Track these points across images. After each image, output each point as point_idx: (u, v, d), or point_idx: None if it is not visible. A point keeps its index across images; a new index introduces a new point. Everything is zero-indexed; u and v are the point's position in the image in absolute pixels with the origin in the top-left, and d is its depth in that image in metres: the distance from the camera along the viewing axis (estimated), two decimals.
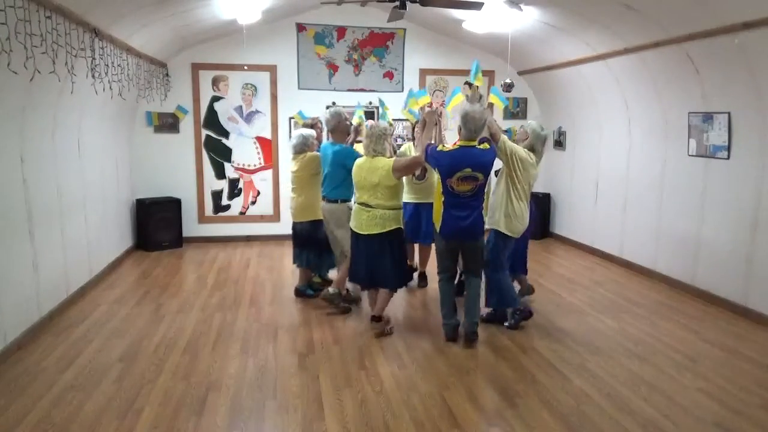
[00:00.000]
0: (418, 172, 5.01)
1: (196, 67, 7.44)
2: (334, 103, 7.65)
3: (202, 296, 5.43)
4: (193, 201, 7.69)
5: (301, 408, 3.34)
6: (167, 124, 7.44)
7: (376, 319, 4.49)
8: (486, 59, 8.11)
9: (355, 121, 5.26)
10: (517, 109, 8.41)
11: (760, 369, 3.93)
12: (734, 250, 5.05)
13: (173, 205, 7.42)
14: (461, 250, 4.23)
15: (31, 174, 4.32)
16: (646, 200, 6.24)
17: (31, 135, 4.32)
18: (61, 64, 3.98)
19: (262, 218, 7.91)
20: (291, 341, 4.34)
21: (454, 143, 4.16)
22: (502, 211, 4.38)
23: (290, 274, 6.11)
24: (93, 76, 4.65)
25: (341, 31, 7.76)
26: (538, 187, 8.24)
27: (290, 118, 7.65)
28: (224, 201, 7.81)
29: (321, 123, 5.72)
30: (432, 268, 4.71)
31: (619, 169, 6.71)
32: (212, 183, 7.74)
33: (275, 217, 7.91)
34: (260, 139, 7.77)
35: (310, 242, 5.14)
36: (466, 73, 8.09)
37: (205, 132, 7.60)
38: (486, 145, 4.06)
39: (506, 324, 4.58)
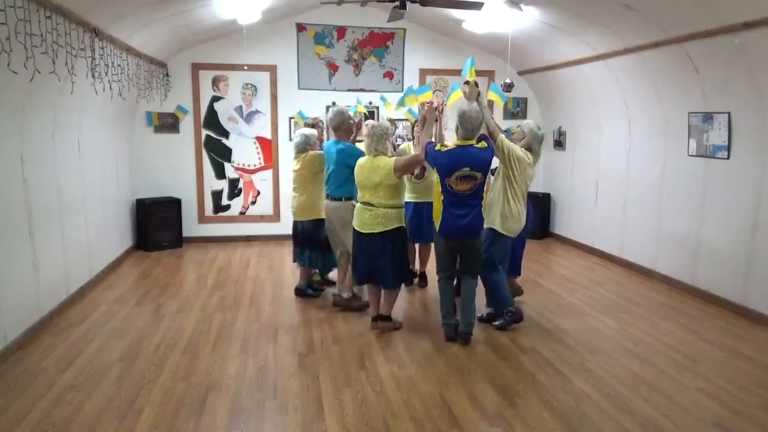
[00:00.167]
0: (417, 171, 5.01)
1: (196, 67, 7.44)
2: (334, 103, 7.65)
3: (202, 296, 5.43)
4: (193, 201, 7.69)
5: (301, 408, 3.34)
6: (167, 124, 7.44)
7: (385, 318, 4.50)
8: (486, 59, 8.12)
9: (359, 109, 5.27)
10: (517, 109, 8.41)
11: (760, 369, 3.93)
12: (734, 250, 5.05)
13: (173, 205, 7.42)
14: (460, 249, 4.23)
15: (31, 174, 4.32)
16: (646, 200, 6.24)
17: (31, 135, 4.32)
18: (61, 64, 3.98)
19: (262, 218, 7.92)
20: (291, 341, 4.34)
21: (453, 143, 4.17)
22: (498, 210, 4.38)
23: (290, 274, 6.11)
24: (93, 76, 4.65)
25: (341, 31, 7.76)
26: (538, 187, 8.27)
27: (290, 118, 7.65)
28: (224, 201, 7.82)
29: (322, 122, 5.73)
30: (432, 268, 4.70)
31: (619, 169, 6.71)
32: (212, 183, 7.74)
33: (275, 217, 7.91)
34: (260, 139, 7.77)
35: (311, 241, 5.14)
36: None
37: (205, 132, 7.61)
38: (484, 144, 4.06)
39: (496, 323, 4.57)
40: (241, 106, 7.65)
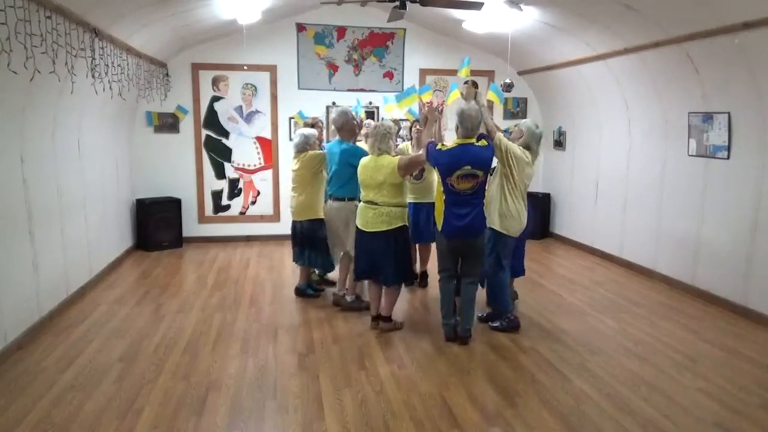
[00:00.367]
0: (415, 172, 5.02)
1: (196, 67, 7.44)
2: (334, 103, 7.67)
3: (202, 296, 5.44)
4: (193, 201, 7.69)
5: (301, 408, 3.34)
6: (167, 124, 7.44)
7: (386, 319, 4.51)
8: (486, 59, 8.13)
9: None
10: (517, 109, 8.41)
11: (760, 369, 3.93)
12: (734, 250, 5.05)
13: (173, 205, 7.42)
14: (462, 249, 4.22)
15: (31, 174, 4.32)
16: (646, 200, 6.24)
17: (31, 135, 4.32)
18: (61, 64, 3.98)
19: (262, 218, 7.92)
20: (291, 341, 4.34)
21: (453, 142, 4.17)
22: (497, 209, 4.37)
23: (290, 274, 6.11)
24: (93, 76, 4.65)
25: (341, 31, 7.76)
26: (538, 187, 8.27)
27: (290, 118, 7.65)
28: (224, 201, 7.82)
29: (321, 122, 5.74)
30: (433, 267, 4.71)
31: (619, 169, 6.71)
32: (212, 183, 7.74)
33: (275, 217, 7.91)
34: (260, 139, 7.77)
35: (310, 241, 5.14)
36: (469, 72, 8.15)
37: (205, 132, 7.61)
38: (484, 142, 4.06)
39: (493, 324, 4.57)
40: (241, 106, 7.65)
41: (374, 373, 3.81)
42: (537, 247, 7.47)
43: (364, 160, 4.43)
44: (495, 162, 4.35)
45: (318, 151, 5.10)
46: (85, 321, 4.69)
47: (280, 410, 3.31)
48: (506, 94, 7.94)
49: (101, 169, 6.03)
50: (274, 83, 7.68)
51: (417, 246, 5.72)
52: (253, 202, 7.90)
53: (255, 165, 7.82)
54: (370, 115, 7.81)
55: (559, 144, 8.06)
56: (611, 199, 6.89)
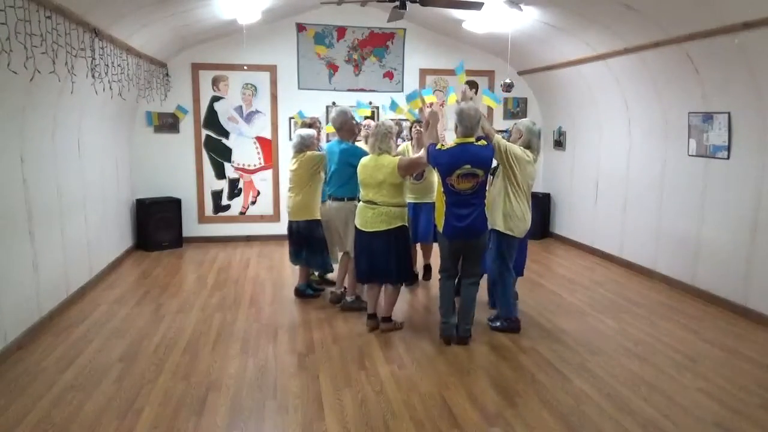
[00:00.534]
0: (416, 173, 5.03)
1: (196, 67, 7.45)
2: (334, 103, 7.66)
3: (202, 296, 5.44)
4: (193, 201, 7.69)
5: (301, 408, 3.34)
6: (167, 124, 7.44)
7: (386, 319, 4.51)
8: (486, 59, 8.13)
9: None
10: (517, 109, 8.41)
11: (760, 369, 3.93)
12: (734, 250, 5.05)
13: (173, 205, 7.42)
14: (463, 250, 4.20)
15: (31, 174, 4.32)
16: (646, 200, 6.24)
17: (31, 135, 4.32)
18: (61, 64, 3.98)
19: (262, 218, 7.92)
20: (291, 341, 4.34)
21: (453, 141, 4.17)
22: (500, 210, 4.36)
23: (290, 274, 6.10)
24: (93, 76, 4.65)
25: (341, 31, 7.76)
26: (538, 187, 8.25)
27: (290, 118, 7.65)
28: (224, 201, 7.82)
29: (319, 123, 5.74)
30: (435, 262, 4.70)
31: (619, 169, 6.71)
32: (212, 183, 7.74)
33: (275, 217, 7.91)
34: (260, 139, 7.77)
35: (307, 242, 5.15)
36: (466, 72, 8.11)
37: (205, 132, 7.61)
38: (483, 142, 4.06)
39: (493, 324, 4.57)
40: (241, 106, 7.65)
41: (374, 373, 3.81)
42: (537, 247, 7.47)
43: (364, 160, 4.43)
44: (495, 163, 4.36)
45: (316, 152, 5.10)
46: (85, 321, 4.69)
47: (280, 410, 3.31)
48: (506, 94, 7.97)
49: (101, 169, 6.03)
50: (274, 83, 7.68)
51: (418, 245, 5.77)
52: (253, 202, 7.90)
53: (255, 165, 7.82)
54: (370, 115, 7.81)
55: (559, 144, 8.06)
56: (611, 199, 6.89)
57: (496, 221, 4.38)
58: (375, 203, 4.31)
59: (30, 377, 3.65)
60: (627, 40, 5.65)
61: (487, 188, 4.18)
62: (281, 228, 7.52)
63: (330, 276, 5.71)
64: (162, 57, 6.87)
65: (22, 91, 3.97)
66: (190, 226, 7.67)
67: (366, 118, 7.61)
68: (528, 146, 4.44)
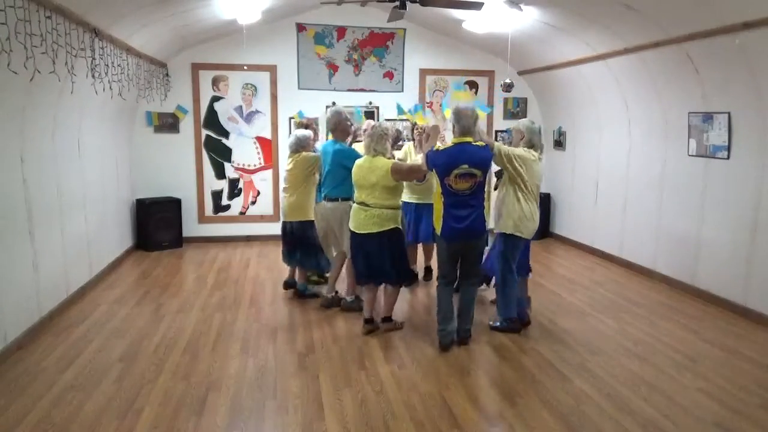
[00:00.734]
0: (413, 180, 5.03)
1: (196, 67, 7.45)
2: (334, 103, 7.65)
3: (202, 296, 5.44)
4: (193, 201, 7.69)
5: (301, 408, 3.34)
6: (167, 124, 7.44)
7: (386, 319, 4.50)
8: (486, 59, 8.13)
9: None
10: (517, 109, 8.41)
11: (760, 369, 3.93)
12: (734, 250, 5.05)
13: (173, 205, 7.42)
14: (462, 252, 4.17)
15: (31, 174, 4.32)
16: (646, 200, 6.24)
17: (31, 135, 4.32)
18: (61, 64, 3.98)
19: (262, 218, 7.91)
20: (291, 341, 4.34)
21: (451, 141, 4.17)
22: (511, 214, 4.31)
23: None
24: (93, 76, 4.65)
25: (341, 31, 7.76)
26: None
27: (290, 118, 7.65)
28: (224, 201, 7.82)
29: (316, 124, 5.78)
30: (436, 263, 4.69)
31: (619, 169, 6.71)
32: (212, 183, 7.74)
33: (275, 217, 7.90)
34: (260, 139, 7.77)
35: (301, 242, 5.17)
36: (466, 73, 8.19)
37: (205, 132, 7.61)
38: (482, 143, 4.06)
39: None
40: (241, 106, 7.65)
41: (374, 373, 3.81)
42: (537, 247, 7.47)
43: (359, 161, 4.40)
44: (495, 167, 4.36)
45: (312, 154, 5.10)
46: (85, 321, 4.69)
47: (280, 410, 3.31)
48: (506, 94, 7.97)
49: (101, 169, 6.03)
50: (274, 83, 7.68)
51: (420, 245, 5.82)
52: (253, 202, 7.90)
53: (255, 165, 7.82)
54: (370, 115, 7.82)
55: (559, 144, 8.06)
56: (611, 199, 6.89)
57: (507, 224, 4.33)
58: (368, 205, 4.27)
59: (30, 377, 3.66)
60: (627, 40, 5.65)
61: (485, 189, 4.15)
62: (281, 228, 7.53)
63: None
64: (162, 57, 6.87)
65: (22, 91, 3.97)
66: (190, 226, 7.67)
67: (367, 115, 7.65)
68: (531, 145, 4.42)
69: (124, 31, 5.13)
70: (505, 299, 4.48)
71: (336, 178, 4.79)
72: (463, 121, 4.01)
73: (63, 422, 3.13)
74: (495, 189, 4.65)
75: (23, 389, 3.49)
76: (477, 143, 4.03)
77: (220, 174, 7.74)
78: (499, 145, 4.27)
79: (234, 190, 7.83)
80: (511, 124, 8.31)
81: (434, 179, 4.39)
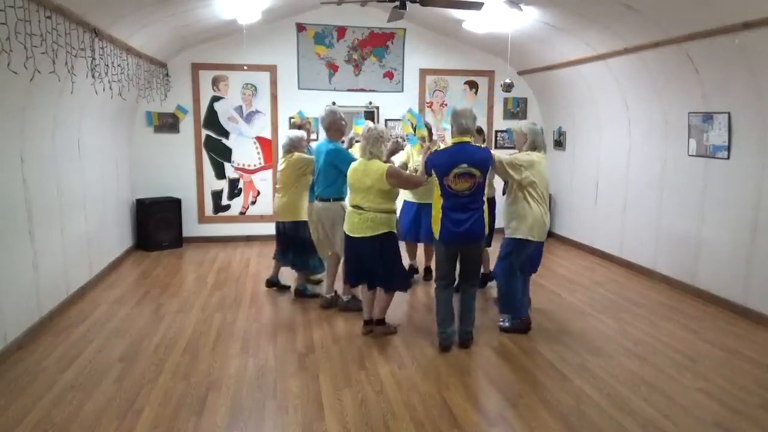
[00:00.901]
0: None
1: (196, 67, 7.45)
2: (334, 103, 7.66)
3: (202, 296, 5.44)
4: (193, 201, 7.69)
5: (301, 408, 3.34)
6: (167, 124, 7.44)
7: (379, 322, 4.44)
8: (486, 59, 8.13)
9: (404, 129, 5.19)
10: (517, 109, 8.41)
11: (760, 369, 3.93)
12: (734, 250, 5.05)
13: (173, 205, 7.42)
14: (460, 255, 4.13)
15: (31, 174, 4.32)
16: (646, 200, 6.24)
17: (32, 135, 4.32)
18: (61, 64, 3.98)
19: (262, 218, 7.91)
20: (291, 341, 4.34)
21: (450, 142, 4.17)
22: (524, 219, 4.28)
23: (290, 274, 6.09)
24: (93, 76, 4.65)
25: (341, 31, 7.76)
26: None
27: (290, 119, 7.64)
28: (224, 201, 7.82)
29: (310, 124, 5.82)
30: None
31: (619, 169, 6.71)
32: (212, 183, 7.74)
33: (275, 217, 7.87)
34: (260, 139, 7.77)
35: (293, 242, 5.20)
36: (466, 73, 8.19)
37: (205, 132, 7.61)
38: (481, 145, 4.05)
39: (502, 324, 4.56)
40: (241, 106, 7.65)
41: (374, 373, 3.81)
42: None
43: (354, 164, 4.34)
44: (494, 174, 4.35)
45: (304, 155, 5.11)
46: (85, 321, 4.69)
47: (280, 410, 3.31)
48: (506, 94, 7.97)
49: (101, 169, 6.03)
50: (274, 83, 7.68)
51: (421, 245, 5.86)
52: (253, 202, 7.89)
53: (255, 165, 7.82)
54: (370, 115, 7.82)
55: (559, 144, 8.06)
56: (611, 199, 6.89)
57: (520, 229, 4.29)
58: (362, 208, 4.21)
59: (30, 377, 3.66)
60: (627, 40, 5.65)
61: (485, 191, 4.10)
62: None
63: (320, 276, 5.73)
64: (162, 57, 6.87)
65: (22, 91, 3.97)
66: (190, 226, 7.67)
67: (367, 114, 7.66)
68: (534, 147, 4.38)
69: (124, 31, 5.13)
70: (512, 299, 4.46)
71: (328, 178, 4.78)
72: (461, 119, 4.00)
73: (63, 422, 3.13)
74: (503, 194, 4.62)
75: (23, 389, 3.49)
76: (477, 145, 4.03)
77: (220, 174, 7.74)
78: (498, 156, 4.26)
79: (234, 190, 7.83)
80: (510, 124, 8.36)
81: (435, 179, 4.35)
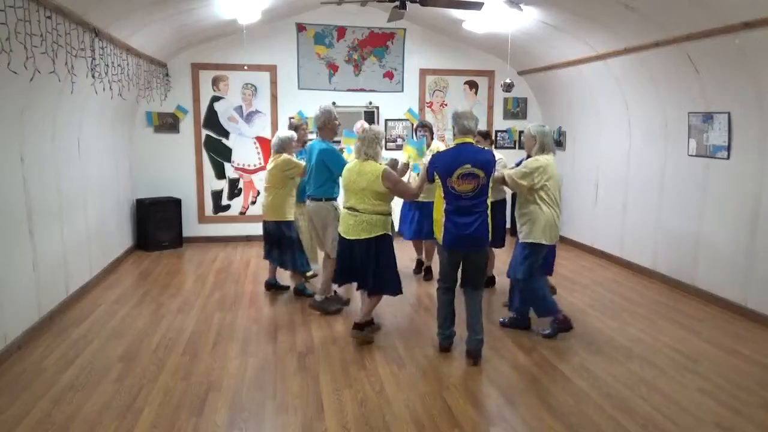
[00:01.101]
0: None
1: (196, 67, 7.45)
2: (334, 103, 7.65)
3: (202, 296, 5.44)
4: (193, 201, 7.69)
5: (301, 408, 3.34)
6: (167, 124, 7.44)
7: (359, 327, 4.29)
8: (486, 59, 8.13)
9: (404, 157, 5.14)
10: (517, 109, 8.41)
11: (760, 369, 3.93)
12: (734, 250, 5.05)
13: (173, 205, 7.42)
14: (464, 260, 4.03)
15: (31, 174, 4.32)
16: (646, 200, 6.24)
17: (32, 135, 4.32)
18: (61, 64, 3.98)
19: (262, 218, 7.90)
20: (291, 341, 4.34)
21: (452, 143, 4.16)
22: (537, 223, 4.25)
23: (290, 274, 6.09)
24: (93, 76, 4.65)
25: (341, 31, 7.76)
26: None
27: (290, 119, 7.63)
28: (224, 201, 7.82)
29: (306, 125, 5.83)
30: (437, 264, 4.68)
31: (619, 169, 6.71)
32: (212, 183, 7.74)
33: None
34: (260, 139, 7.77)
35: (278, 242, 5.21)
36: (466, 73, 8.19)
37: (205, 132, 7.61)
38: (484, 147, 4.04)
39: (544, 333, 4.45)
40: (241, 106, 7.65)
41: (374, 373, 3.81)
42: None
43: (348, 165, 4.31)
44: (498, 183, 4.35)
45: (292, 159, 5.09)
46: (85, 321, 4.69)
47: (280, 410, 3.31)
48: (506, 94, 7.97)
49: (101, 169, 6.03)
50: (274, 83, 7.68)
51: (423, 242, 5.95)
52: (253, 202, 7.89)
53: (255, 165, 7.82)
54: (370, 115, 7.82)
55: (559, 144, 8.03)
56: (611, 199, 6.89)
57: (535, 234, 4.27)
58: (357, 210, 4.16)
59: (30, 377, 3.65)
60: (627, 40, 5.65)
61: (489, 193, 4.03)
62: None
63: (314, 271, 5.76)
64: (162, 57, 6.87)
65: (22, 91, 3.97)
66: (190, 226, 7.67)
67: (367, 115, 7.66)
68: (542, 149, 4.34)
69: (124, 31, 5.12)
70: (545, 301, 4.41)
71: (320, 178, 4.77)
72: (461, 120, 3.97)
73: (63, 422, 3.12)
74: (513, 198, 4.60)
75: (23, 389, 3.49)
76: (479, 145, 4.02)
77: (220, 174, 7.75)
78: (507, 173, 4.27)
79: (234, 190, 7.83)
80: (510, 124, 8.40)
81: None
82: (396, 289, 4.31)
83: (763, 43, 4.32)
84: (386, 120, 8.00)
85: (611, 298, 5.49)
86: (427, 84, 8.11)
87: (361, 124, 5.61)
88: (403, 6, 4.98)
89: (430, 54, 8.04)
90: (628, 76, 6.15)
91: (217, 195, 7.78)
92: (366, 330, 4.33)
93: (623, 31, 5.54)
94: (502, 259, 5.87)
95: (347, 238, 4.24)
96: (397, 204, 4.74)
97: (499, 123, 8.34)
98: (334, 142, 5.02)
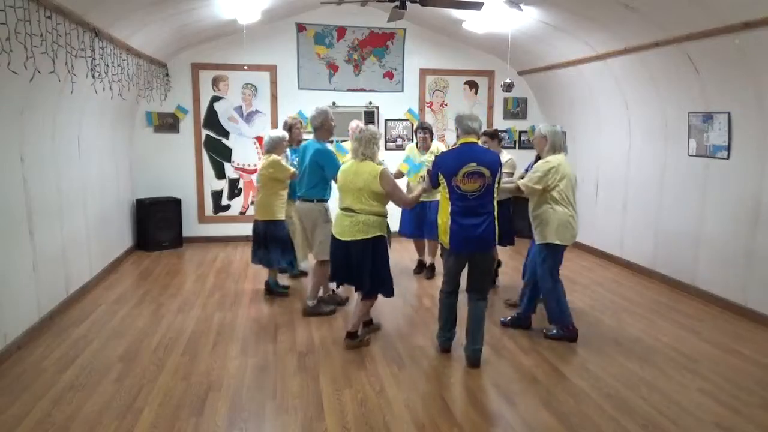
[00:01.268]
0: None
1: (196, 67, 7.45)
2: (334, 104, 7.66)
3: (202, 296, 5.44)
4: (193, 201, 7.69)
5: (301, 408, 3.34)
6: (167, 124, 7.44)
7: (350, 335, 4.23)
8: (486, 59, 8.13)
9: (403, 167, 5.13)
10: (517, 109, 8.41)
11: (760, 369, 3.93)
12: (734, 250, 5.05)
13: (173, 205, 7.42)
14: (469, 263, 3.96)
15: (31, 174, 4.32)
16: (646, 200, 6.24)
17: (31, 135, 4.32)
18: (61, 64, 3.98)
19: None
20: (291, 341, 4.34)
21: (457, 143, 4.15)
22: (549, 224, 4.25)
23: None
24: (93, 76, 4.65)
25: (341, 31, 7.76)
26: None
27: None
28: (224, 201, 7.82)
29: (301, 124, 5.84)
30: (438, 263, 4.68)
31: (619, 169, 6.71)
32: (212, 183, 7.74)
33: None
34: (260, 139, 7.76)
35: (264, 240, 5.21)
36: (466, 73, 8.19)
37: (205, 132, 7.61)
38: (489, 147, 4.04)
39: (548, 333, 4.43)
40: (241, 106, 7.65)
41: (374, 373, 3.81)
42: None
43: (345, 165, 4.27)
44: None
45: (280, 162, 5.08)
46: (85, 321, 4.69)
47: (280, 410, 3.31)
48: (506, 94, 7.97)
49: (101, 169, 6.03)
50: (274, 83, 7.68)
51: (423, 242, 5.98)
52: (253, 202, 7.87)
53: (255, 165, 7.81)
54: (370, 115, 7.82)
55: None
56: (611, 199, 6.89)
57: (550, 235, 4.25)
58: (353, 211, 4.09)
59: (30, 377, 3.65)
60: (627, 40, 5.65)
61: (495, 195, 3.96)
62: None
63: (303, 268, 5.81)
64: (162, 57, 6.87)
65: (22, 91, 3.97)
66: (190, 226, 7.67)
67: (366, 115, 7.67)
68: (553, 149, 4.31)
69: (124, 31, 5.13)
70: (559, 307, 4.37)
71: (312, 179, 4.76)
72: (465, 120, 3.96)
73: (63, 422, 3.13)
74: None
75: (23, 389, 3.49)
76: (486, 146, 4.01)
77: (220, 174, 7.75)
78: (521, 183, 4.29)
79: (234, 190, 7.83)
80: (510, 124, 8.40)
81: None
82: (391, 290, 4.26)
83: (763, 43, 4.32)
84: (386, 120, 8.00)
85: (611, 298, 5.49)
86: (427, 84, 8.11)
87: (357, 123, 5.60)
88: (403, 6, 4.98)
89: (430, 54, 8.04)
90: (628, 76, 6.15)
91: (217, 195, 7.78)
92: (362, 333, 4.33)
93: (623, 31, 5.54)
94: (509, 263, 5.86)
95: (342, 239, 4.14)
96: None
97: (499, 123, 8.34)
98: (328, 141, 5.01)
